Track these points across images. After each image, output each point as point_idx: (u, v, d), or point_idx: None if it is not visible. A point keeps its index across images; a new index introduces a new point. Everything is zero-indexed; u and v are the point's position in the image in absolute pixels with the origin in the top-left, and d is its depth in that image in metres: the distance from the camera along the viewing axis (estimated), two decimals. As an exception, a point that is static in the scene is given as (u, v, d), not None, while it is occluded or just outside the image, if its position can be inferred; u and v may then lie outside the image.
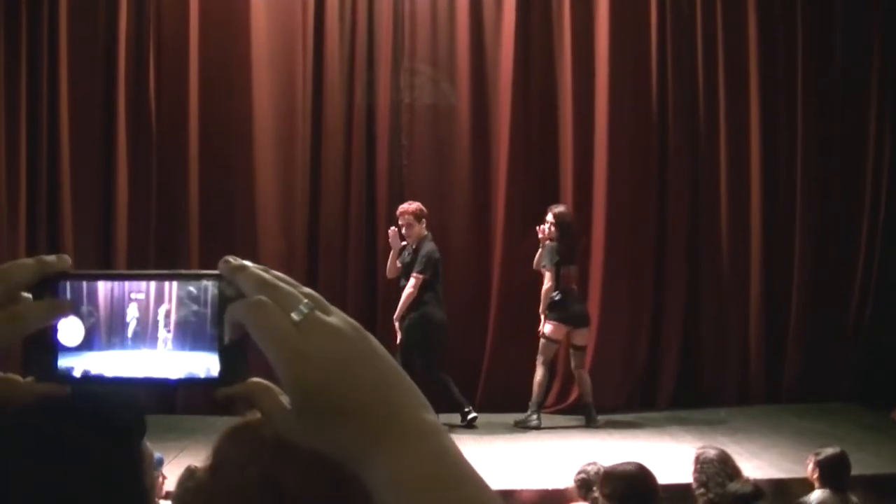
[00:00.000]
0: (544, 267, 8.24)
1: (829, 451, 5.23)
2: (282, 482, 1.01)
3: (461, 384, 8.38)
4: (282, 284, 0.83)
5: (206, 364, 0.90)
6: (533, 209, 9.26)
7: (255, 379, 0.89)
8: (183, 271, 0.92)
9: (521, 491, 6.46)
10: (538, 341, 8.42)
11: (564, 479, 6.44)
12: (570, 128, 9.28)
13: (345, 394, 0.80)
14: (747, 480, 4.72)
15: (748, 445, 7.38)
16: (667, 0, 9.39)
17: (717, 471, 4.75)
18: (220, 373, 0.89)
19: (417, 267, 8.05)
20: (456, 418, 8.18)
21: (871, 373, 9.26)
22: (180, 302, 0.91)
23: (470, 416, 8.17)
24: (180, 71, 8.98)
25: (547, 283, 8.23)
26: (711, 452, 4.89)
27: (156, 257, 8.96)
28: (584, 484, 4.85)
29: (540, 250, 8.31)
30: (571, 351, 8.44)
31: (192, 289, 0.91)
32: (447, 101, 9.40)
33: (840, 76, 9.58)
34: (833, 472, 5.12)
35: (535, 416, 8.29)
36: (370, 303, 9.10)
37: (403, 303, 8.06)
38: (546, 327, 8.27)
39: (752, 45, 9.44)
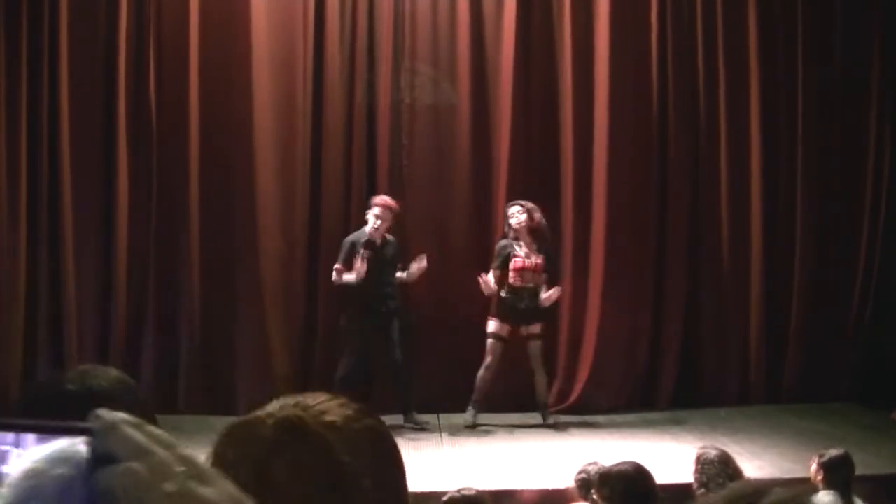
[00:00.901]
0: (547, 273, 8.33)
1: (833, 452, 5.22)
2: (273, 482, 1.01)
3: (462, 385, 8.38)
4: (157, 449, 0.81)
5: None
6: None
7: None
8: (48, 423, 0.87)
9: (522, 491, 6.46)
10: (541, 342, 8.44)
11: (564, 479, 6.45)
12: (571, 128, 9.27)
13: None
14: (748, 481, 4.72)
15: (749, 445, 7.39)
16: (667, 0, 9.39)
17: (718, 472, 4.75)
18: None
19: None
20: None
21: (872, 373, 9.27)
22: (41, 457, 0.86)
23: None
24: (180, 71, 8.97)
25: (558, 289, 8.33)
26: (712, 453, 4.89)
27: (156, 258, 8.97)
28: (585, 484, 4.86)
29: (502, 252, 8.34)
30: (502, 344, 8.39)
31: (56, 443, 0.85)
32: (448, 101, 9.39)
33: (840, 76, 9.57)
34: (838, 474, 5.11)
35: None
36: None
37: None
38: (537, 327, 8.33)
39: (753, 44, 9.43)
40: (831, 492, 5.06)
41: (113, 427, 0.81)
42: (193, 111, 8.97)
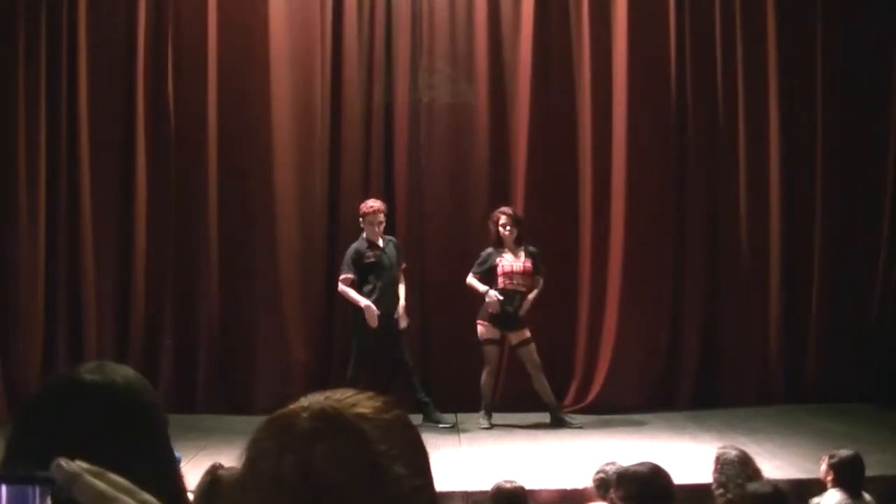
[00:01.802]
0: (539, 277, 8.34)
1: (843, 452, 5.21)
2: (314, 472, 1.02)
3: (479, 384, 8.37)
4: (120, 495, 0.82)
5: None
6: (552, 207, 9.26)
7: None
8: (13, 473, 0.89)
9: (540, 490, 6.44)
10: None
11: (582, 479, 6.44)
12: (589, 126, 9.24)
13: None
14: (767, 481, 4.70)
15: (767, 445, 7.35)
16: (685, -1, 9.37)
17: (738, 472, 4.73)
18: None
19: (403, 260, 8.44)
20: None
21: (892, 373, 9.21)
22: None
23: None
24: (199, 72, 9.00)
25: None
26: (732, 453, 4.87)
27: (174, 257, 9.00)
28: (603, 484, 4.85)
29: (496, 257, 8.28)
30: (498, 347, 8.46)
31: (18, 493, 0.87)
32: (465, 100, 9.39)
33: (861, 70, 9.50)
34: (847, 474, 5.10)
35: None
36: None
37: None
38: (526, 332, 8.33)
39: (771, 43, 9.38)
40: (840, 490, 5.06)
41: (75, 477, 0.83)
42: (212, 111, 9.00)
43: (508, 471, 6.63)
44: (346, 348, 8.82)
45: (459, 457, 7.25)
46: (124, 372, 1.58)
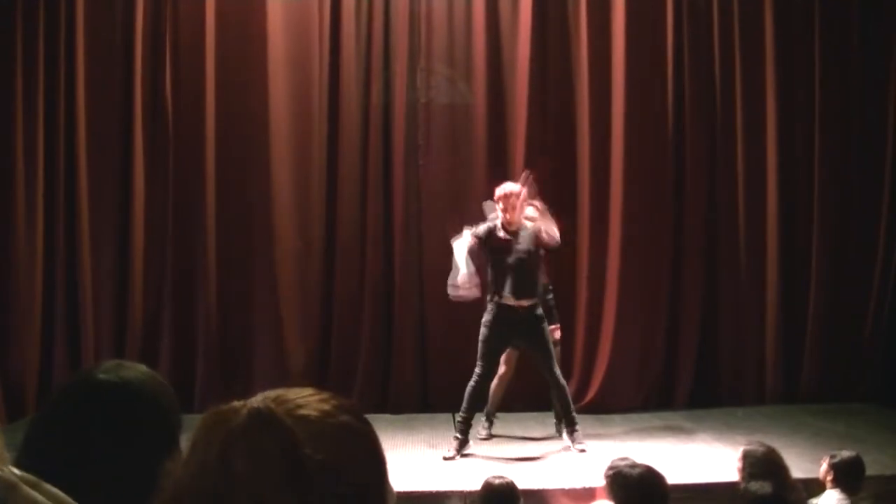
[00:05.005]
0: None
1: (844, 453, 5.21)
2: (233, 466, 1.01)
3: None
4: None
5: None
6: (549, 207, 9.24)
7: None
8: None
9: (537, 490, 6.45)
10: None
11: (579, 479, 6.45)
12: (587, 126, 9.24)
13: None
14: (764, 483, 4.67)
15: (766, 445, 7.34)
16: (683, -1, 9.37)
17: (765, 469, 4.67)
18: None
19: None
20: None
21: (891, 373, 9.21)
22: None
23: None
24: (197, 71, 8.99)
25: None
26: (760, 450, 4.81)
27: (172, 258, 8.99)
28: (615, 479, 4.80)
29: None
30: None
31: None
32: (464, 101, 9.38)
33: (859, 74, 9.51)
34: (847, 475, 5.09)
35: None
36: (387, 301, 9.13)
37: None
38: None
39: (769, 43, 9.38)
40: (838, 491, 5.05)
41: (12, 487, 0.81)
42: (209, 111, 8.99)
43: (505, 470, 6.65)
44: (345, 348, 8.85)
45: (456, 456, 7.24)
46: (140, 372, 1.60)
